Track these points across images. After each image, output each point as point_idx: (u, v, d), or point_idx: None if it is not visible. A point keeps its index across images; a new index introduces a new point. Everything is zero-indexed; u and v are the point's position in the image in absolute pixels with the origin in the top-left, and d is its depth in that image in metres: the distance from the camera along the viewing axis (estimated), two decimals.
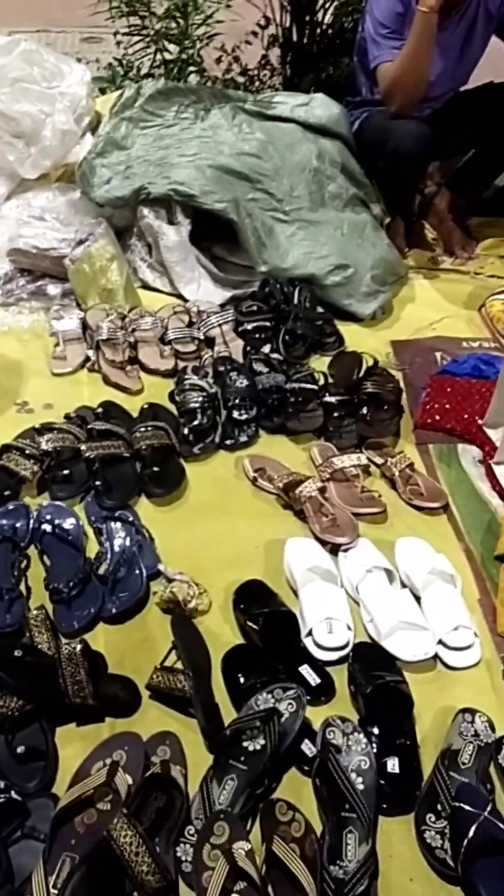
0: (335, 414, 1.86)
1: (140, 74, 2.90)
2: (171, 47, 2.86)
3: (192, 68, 2.89)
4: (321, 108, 2.46)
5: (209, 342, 2.11)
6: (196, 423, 1.78)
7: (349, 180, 2.43)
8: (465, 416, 1.93)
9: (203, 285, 2.29)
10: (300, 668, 1.32)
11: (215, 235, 2.32)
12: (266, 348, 2.06)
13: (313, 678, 1.32)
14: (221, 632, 1.40)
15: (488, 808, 1.11)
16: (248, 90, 2.87)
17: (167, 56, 2.87)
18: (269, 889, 1.02)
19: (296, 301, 2.16)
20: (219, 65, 2.98)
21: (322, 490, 1.64)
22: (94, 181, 2.31)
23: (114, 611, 1.40)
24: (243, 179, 2.26)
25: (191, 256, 2.29)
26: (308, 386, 1.89)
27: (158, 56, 2.87)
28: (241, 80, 2.99)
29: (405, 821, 1.15)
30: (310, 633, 1.37)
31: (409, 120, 2.29)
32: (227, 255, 2.34)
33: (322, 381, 1.94)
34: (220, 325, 2.11)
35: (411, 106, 2.29)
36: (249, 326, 2.11)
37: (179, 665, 1.29)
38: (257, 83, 3.01)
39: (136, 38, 2.88)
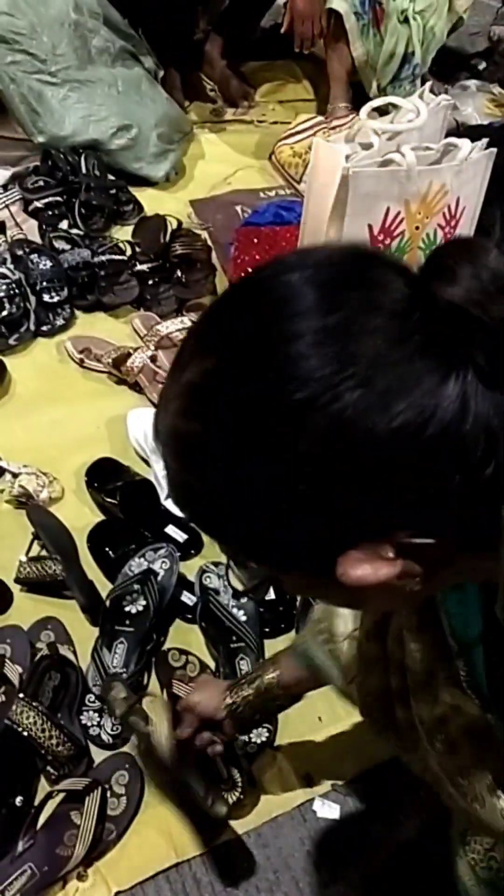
0: (149, 282, 1.82)
1: None
2: None
3: None
4: None
5: None
6: (5, 313, 1.67)
7: (114, 32, 2.25)
8: None
9: None
10: (166, 529, 1.35)
11: None
12: (63, 224, 1.94)
13: (180, 535, 1.35)
14: (80, 514, 1.38)
15: None
16: None
17: None
18: None
19: (84, 171, 2.02)
20: None
21: (153, 359, 1.62)
22: None
23: None
24: None
25: None
26: (116, 257, 1.82)
27: None
28: None
29: (288, 638, 1.24)
30: (168, 495, 1.39)
31: None
32: None
33: (129, 251, 1.87)
34: (6, 207, 1.95)
35: None
36: (40, 204, 1.97)
37: (45, 553, 1.28)
38: None
39: None
